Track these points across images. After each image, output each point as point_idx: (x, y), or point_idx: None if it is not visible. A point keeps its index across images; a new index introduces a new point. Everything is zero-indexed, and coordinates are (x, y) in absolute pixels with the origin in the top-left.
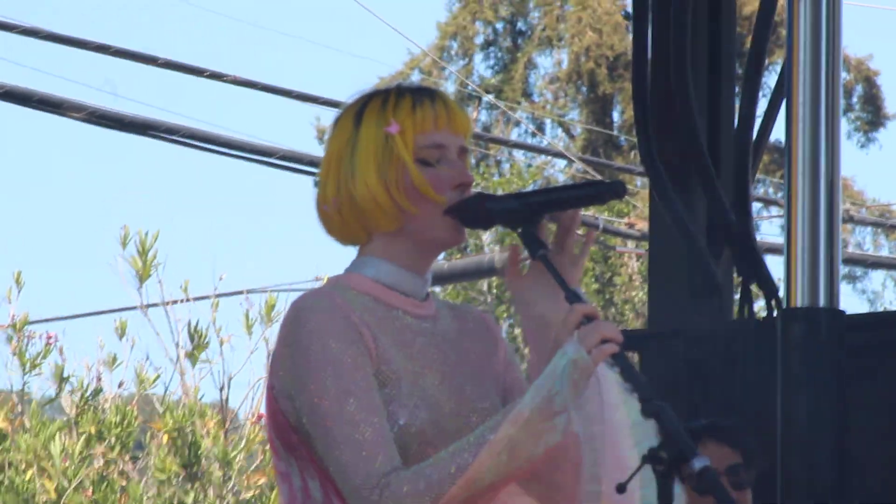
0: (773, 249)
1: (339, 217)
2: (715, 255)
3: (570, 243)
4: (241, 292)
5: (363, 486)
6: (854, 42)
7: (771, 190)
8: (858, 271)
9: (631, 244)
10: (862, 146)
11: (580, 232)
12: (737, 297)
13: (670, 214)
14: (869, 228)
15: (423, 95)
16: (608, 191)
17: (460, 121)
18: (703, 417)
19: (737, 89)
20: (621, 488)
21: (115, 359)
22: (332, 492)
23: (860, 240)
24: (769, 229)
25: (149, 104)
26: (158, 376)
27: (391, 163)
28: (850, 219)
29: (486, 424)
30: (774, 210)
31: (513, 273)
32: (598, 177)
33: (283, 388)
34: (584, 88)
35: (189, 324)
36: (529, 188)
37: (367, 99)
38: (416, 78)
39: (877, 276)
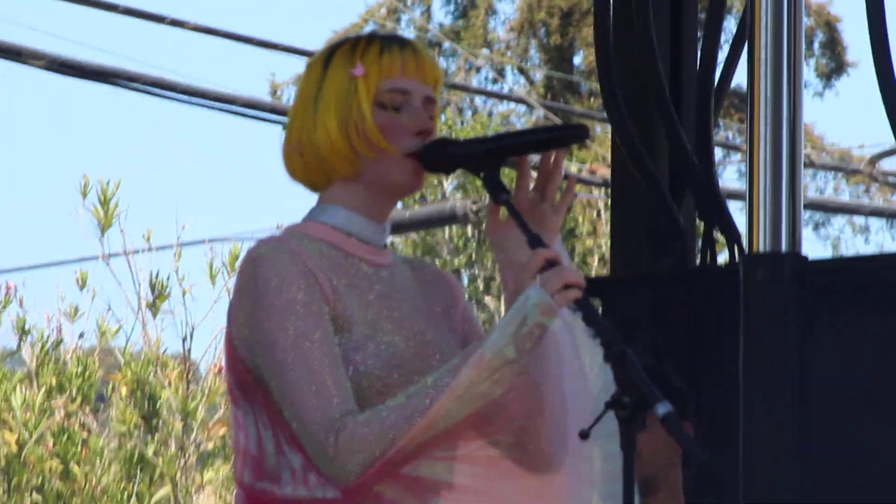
0: (734, 195)
1: (300, 160)
2: (677, 200)
3: (551, 190)
4: (203, 241)
5: (318, 430)
6: None
7: (731, 135)
8: (820, 217)
9: (590, 190)
10: (816, 95)
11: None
12: (699, 242)
13: (632, 159)
14: (830, 174)
15: (393, 42)
16: (571, 134)
17: (429, 70)
18: (662, 363)
19: (699, 34)
20: (584, 434)
21: (76, 310)
22: (285, 441)
23: (821, 185)
24: (729, 174)
25: (110, 51)
26: (120, 328)
27: (353, 106)
28: (810, 163)
29: (444, 367)
30: (735, 155)
31: (493, 222)
32: (560, 122)
33: (241, 335)
34: (541, 35)
35: (151, 274)
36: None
37: (340, 44)
38: (369, 29)
39: (837, 222)
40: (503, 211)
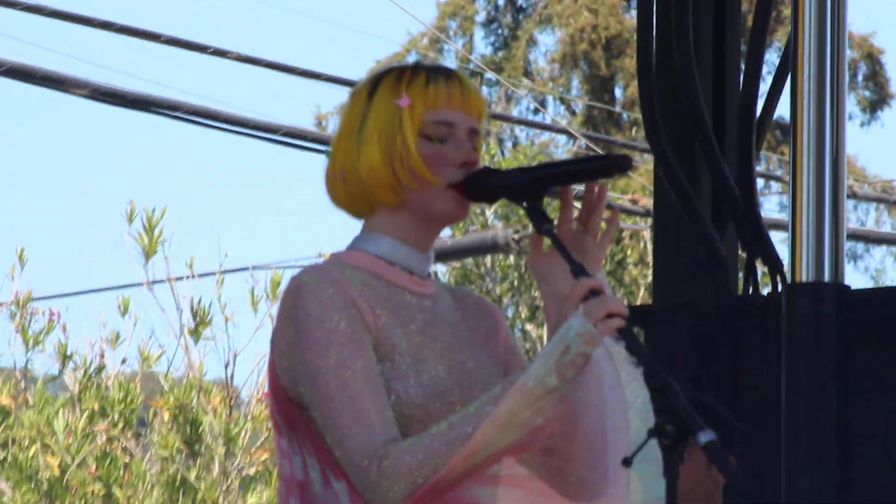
0: (774, 225)
1: (343, 188)
2: (719, 231)
3: (594, 223)
4: (246, 268)
5: (362, 458)
6: (858, 18)
7: (771, 166)
8: (860, 249)
9: (635, 221)
10: (863, 125)
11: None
12: (741, 272)
13: (675, 190)
14: (871, 206)
15: (439, 73)
16: (614, 164)
17: (474, 102)
18: (703, 393)
19: (741, 65)
20: (627, 462)
21: (118, 336)
22: (329, 469)
23: (862, 217)
24: (769, 205)
25: (152, 80)
26: (162, 353)
27: (397, 137)
28: (853, 195)
29: (486, 396)
30: (775, 186)
31: (535, 252)
32: (602, 153)
33: (284, 364)
34: (582, 66)
35: (192, 300)
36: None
37: (384, 73)
38: (412, 59)
39: (878, 254)
40: (546, 241)
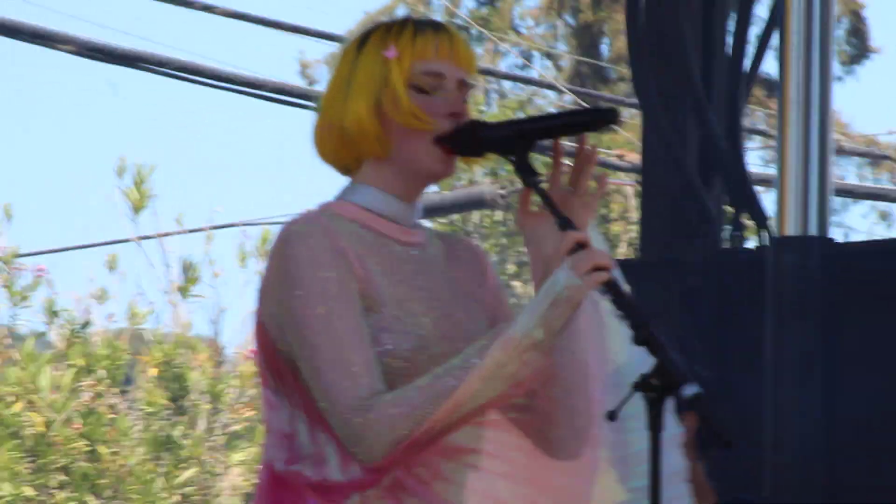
0: (757, 180)
1: (331, 142)
2: (706, 185)
3: (583, 183)
4: (234, 224)
5: (347, 409)
6: None
7: (754, 121)
8: (837, 206)
9: (618, 175)
10: (839, 79)
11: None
12: (728, 226)
13: (662, 144)
14: (854, 162)
15: (427, 25)
16: (602, 117)
17: (463, 54)
18: (691, 346)
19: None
20: (612, 416)
21: (104, 292)
22: (316, 421)
23: (842, 173)
24: (751, 160)
25: (139, 36)
26: (151, 311)
27: (386, 88)
28: (840, 149)
29: (472, 348)
30: (757, 141)
31: (523, 212)
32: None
33: (271, 314)
34: (567, 18)
35: (181, 258)
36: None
37: (373, 28)
38: (401, 11)
39: (856, 210)
40: (534, 200)
